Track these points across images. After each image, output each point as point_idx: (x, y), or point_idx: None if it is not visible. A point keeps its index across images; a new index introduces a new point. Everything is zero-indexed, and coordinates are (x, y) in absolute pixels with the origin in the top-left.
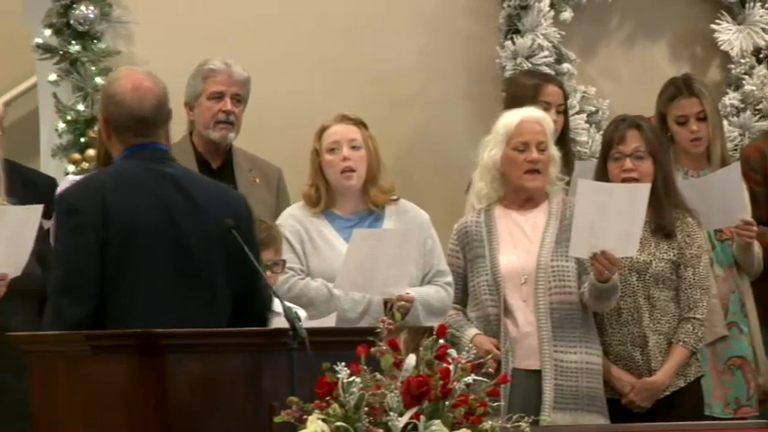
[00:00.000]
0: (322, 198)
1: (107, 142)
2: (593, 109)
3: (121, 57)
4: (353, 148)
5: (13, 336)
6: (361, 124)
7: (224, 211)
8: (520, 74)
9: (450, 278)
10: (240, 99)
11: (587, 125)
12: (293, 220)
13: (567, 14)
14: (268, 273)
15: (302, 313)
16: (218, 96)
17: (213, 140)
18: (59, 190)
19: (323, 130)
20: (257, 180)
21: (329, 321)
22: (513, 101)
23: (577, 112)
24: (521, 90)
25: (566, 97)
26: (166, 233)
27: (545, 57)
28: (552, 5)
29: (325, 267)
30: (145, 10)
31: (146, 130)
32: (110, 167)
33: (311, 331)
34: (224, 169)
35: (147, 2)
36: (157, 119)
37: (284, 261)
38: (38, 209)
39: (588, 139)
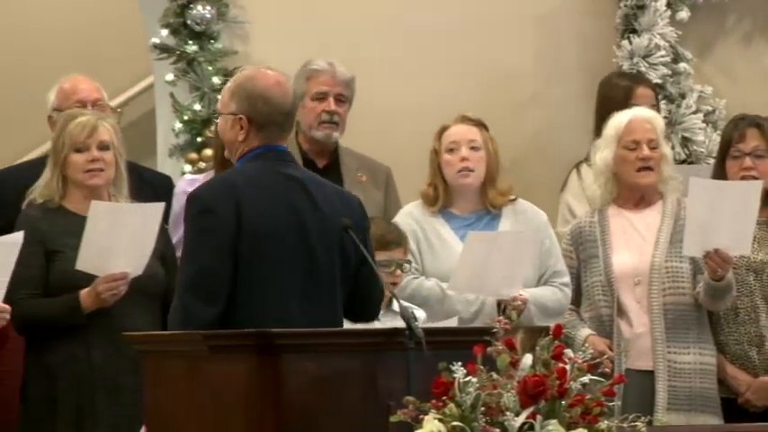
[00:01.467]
0: (440, 197)
1: (236, 141)
2: (710, 108)
3: (238, 56)
4: (473, 148)
5: (129, 336)
6: (481, 125)
7: (342, 212)
8: (613, 75)
9: (567, 278)
10: (344, 99)
11: (704, 125)
12: (410, 218)
13: (683, 14)
14: (397, 271)
15: (420, 314)
16: (322, 96)
17: (318, 140)
18: (178, 191)
19: (443, 130)
20: (364, 179)
21: (451, 323)
22: (605, 103)
23: (694, 112)
24: (613, 92)
25: (657, 99)
26: (294, 235)
27: (662, 56)
28: (669, 5)
29: (439, 267)
30: (261, 9)
31: (288, 125)
32: (239, 168)
33: (428, 331)
34: (330, 168)
35: (264, 1)
36: (294, 114)
37: (410, 261)
38: (159, 207)
39: (705, 139)
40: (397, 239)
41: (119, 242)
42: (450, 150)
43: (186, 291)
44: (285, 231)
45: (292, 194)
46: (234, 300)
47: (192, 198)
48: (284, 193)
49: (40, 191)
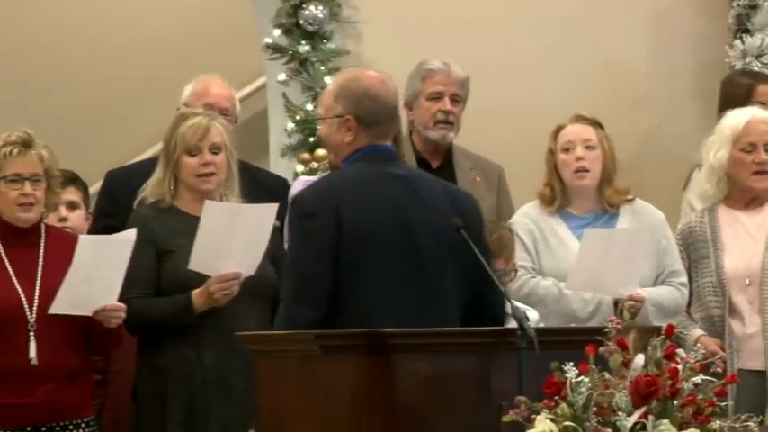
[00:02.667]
0: (557, 197)
1: (342, 143)
2: None
3: (350, 57)
4: (588, 148)
5: (241, 336)
6: (596, 124)
7: (452, 210)
8: (735, 73)
9: (684, 278)
10: (459, 99)
11: None
12: (527, 218)
13: None
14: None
15: (533, 314)
16: (437, 96)
17: (433, 140)
18: (293, 192)
19: (558, 129)
20: (477, 179)
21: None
22: (727, 101)
23: None
24: (734, 90)
25: None
26: (400, 235)
27: None
28: None
29: (556, 266)
30: (373, 10)
31: (395, 122)
32: (341, 170)
33: (539, 331)
34: (444, 168)
35: (376, 1)
36: (398, 112)
37: (515, 270)
38: (272, 208)
39: None
40: (497, 250)
41: (232, 242)
42: (566, 150)
43: (289, 295)
44: (389, 231)
45: (397, 193)
46: (338, 301)
47: (295, 202)
48: (388, 192)
49: (151, 190)
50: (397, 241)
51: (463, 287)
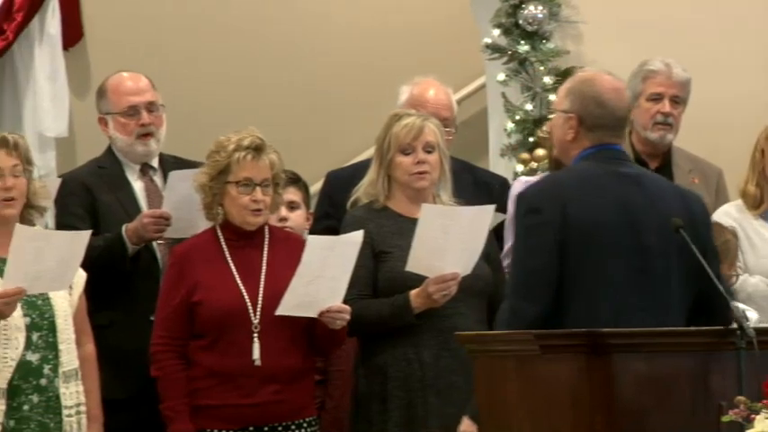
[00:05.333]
0: (765, 199)
1: (564, 140)
2: None
3: (570, 57)
4: None
5: (460, 335)
6: None
7: (682, 211)
8: None
9: None
10: (679, 101)
11: None
12: (729, 218)
13: None
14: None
15: (752, 314)
16: (657, 98)
17: (651, 141)
18: (514, 193)
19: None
20: (696, 181)
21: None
22: None
23: None
24: None
25: None
26: (627, 233)
27: None
28: None
29: (762, 264)
30: (593, 9)
31: (619, 130)
32: (569, 168)
33: (759, 330)
34: (662, 169)
35: (596, 1)
36: (628, 119)
37: (738, 275)
38: (489, 209)
39: None
40: (722, 255)
41: (449, 244)
42: None
43: (514, 290)
44: (615, 229)
45: (625, 192)
46: (562, 297)
47: (520, 198)
48: (616, 190)
49: (364, 190)
50: (623, 240)
51: (689, 288)
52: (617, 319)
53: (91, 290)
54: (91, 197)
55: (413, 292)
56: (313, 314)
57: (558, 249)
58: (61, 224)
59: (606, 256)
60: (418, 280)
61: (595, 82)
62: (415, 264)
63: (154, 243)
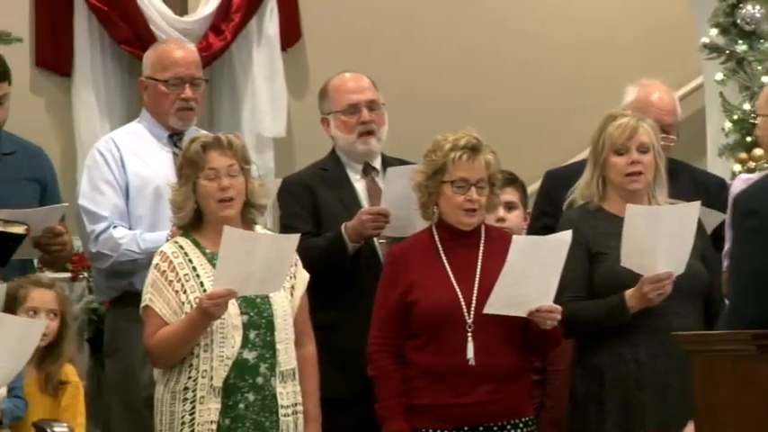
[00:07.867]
0: None
1: None
2: None
3: None
4: None
5: (678, 335)
6: None
7: None
8: None
9: None
10: None
11: None
12: None
13: None
14: None
15: None
16: None
17: None
18: (734, 191)
19: None
20: None
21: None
22: None
23: None
24: None
25: None
26: None
27: None
28: None
29: None
30: None
31: None
32: None
33: None
34: None
35: None
36: None
37: None
38: (694, 207)
39: None
40: None
41: (658, 242)
42: None
43: (735, 292)
44: None
45: None
46: None
47: (736, 201)
48: None
49: (580, 191)
50: None
51: None
52: None
53: (314, 289)
54: (313, 197)
55: (628, 292)
56: (522, 313)
57: None
58: (285, 226)
59: None
60: (634, 280)
61: None
62: (627, 261)
63: (375, 240)
